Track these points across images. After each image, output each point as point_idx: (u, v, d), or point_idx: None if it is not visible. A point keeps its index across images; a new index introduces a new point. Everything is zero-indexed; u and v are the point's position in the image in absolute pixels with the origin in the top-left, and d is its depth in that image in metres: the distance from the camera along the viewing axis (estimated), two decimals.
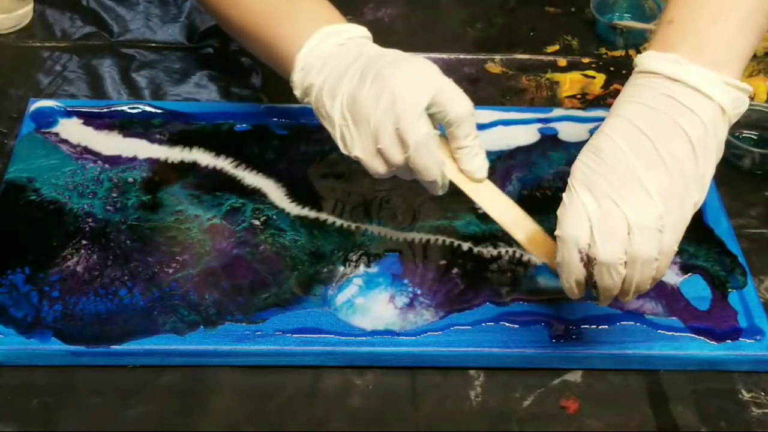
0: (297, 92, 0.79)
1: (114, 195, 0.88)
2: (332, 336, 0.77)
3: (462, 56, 1.07)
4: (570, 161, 0.71)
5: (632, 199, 0.66)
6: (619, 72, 1.06)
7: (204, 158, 0.92)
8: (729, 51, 0.71)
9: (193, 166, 0.91)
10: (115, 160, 0.91)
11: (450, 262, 0.83)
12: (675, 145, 0.68)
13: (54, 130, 0.94)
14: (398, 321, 0.78)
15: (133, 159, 0.91)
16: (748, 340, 0.78)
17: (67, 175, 0.89)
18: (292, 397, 0.75)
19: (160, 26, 1.09)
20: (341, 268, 0.82)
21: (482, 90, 1.04)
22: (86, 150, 0.92)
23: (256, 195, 0.88)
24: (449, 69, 1.05)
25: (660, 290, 0.81)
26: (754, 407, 0.75)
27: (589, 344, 0.77)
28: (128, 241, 0.84)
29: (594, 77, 1.06)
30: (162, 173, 0.90)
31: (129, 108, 0.97)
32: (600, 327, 0.78)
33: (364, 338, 0.77)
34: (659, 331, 0.78)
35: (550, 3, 1.16)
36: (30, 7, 1.10)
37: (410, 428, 0.73)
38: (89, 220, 0.85)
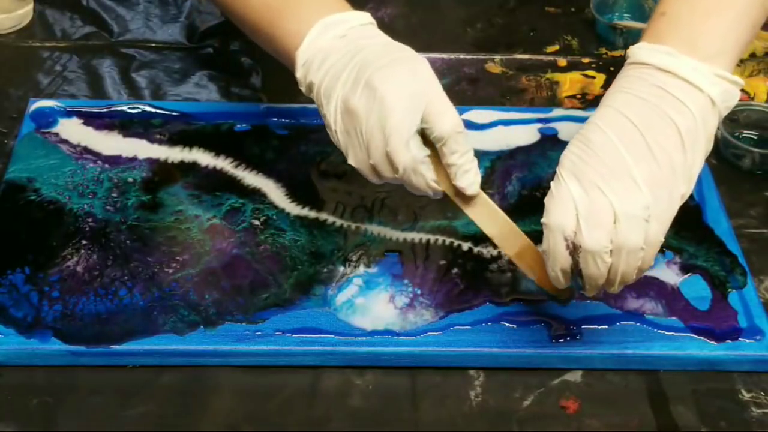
0: (302, 88, 0.77)
1: (114, 195, 0.88)
2: (332, 336, 0.77)
3: (462, 56, 1.07)
4: None
5: (620, 188, 0.67)
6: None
7: (204, 158, 0.92)
8: (721, 44, 0.71)
9: (193, 166, 0.91)
10: (115, 160, 0.91)
11: (450, 262, 0.83)
12: (664, 136, 0.68)
13: (54, 130, 0.94)
14: (398, 321, 0.78)
15: (133, 159, 0.91)
16: (748, 340, 0.78)
17: (67, 175, 0.89)
18: (292, 397, 0.75)
19: (160, 26, 1.09)
20: (341, 268, 0.82)
21: (482, 90, 1.04)
22: (86, 150, 0.92)
23: (256, 195, 0.88)
24: (449, 69, 1.05)
25: (660, 290, 0.81)
26: (754, 407, 0.75)
27: (589, 344, 0.77)
28: (128, 241, 0.84)
29: (594, 77, 1.06)
30: (162, 173, 0.90)
31: (129, 108, 0.97)
32: (600, 327, 0.78)
33: (364, 338, 0.77)
34: (659, 331, 0.78)
35: (550, 3, 1.16)
36: (30, 7, 1.10)
37: (410, 428, 0.73)
38: (89, 220, 0.85)
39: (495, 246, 0.75)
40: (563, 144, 0.94)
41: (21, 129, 0.94)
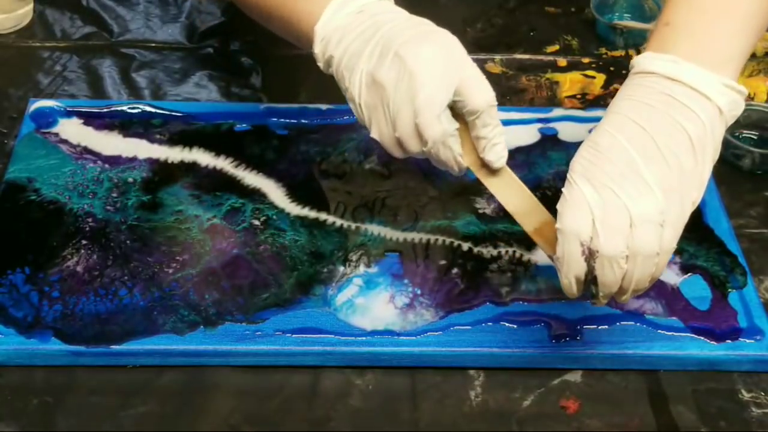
0: (320, 64, 0.76)
1: (114, 195, 0.88)
2: (332, 336, 0.77)
3: None
4: (570, 161, 0.70)
5: (634, 191, 0.66)
6: (619, 72, 1.06)
7: (204, 158, 0.92)
8: (726, 53, 0.70)
9: (193, 166, 0.91)
10: (115, 160, 0.91)
11: (450, 262, 0.83)
12: (674, 141, 0.67)
13: (54, 130, 0.94)
14: (398, 321, 0.78)
15: (133, 159, 0.91)
16: (748, 340, 0.78)
17: (67, 175, 0.89)
18: (292, 397, 0.75)
19: (160, 26, 1.09)
20: (341, 268, 0.82)
21: None
22: (86, 150, 0.92)
23: (256, 195, 0.88)
24: None
25: (660, 290, 0.81)
26: (754, 407, 0.75)
27: (589, 344, 0.77)
28: (128, 241, 0.84)
29: (594, 77, 1.06)
30: (162, 173, 0.90)
31: (129, 108, 0.97)
32: (600, 327, 0.78)
33: (364, 338, 0.77)
34: (659, 331, 0.78)
35: (550, 3, 1.16)
36: (30, 7, 1.10)
37: (410, 428, 0.73)
38: (89, 220, 0.85)
39: (514, 222, 0.74)
40: (563, 144, 0.95)
41: (21, 129, 0.94)
